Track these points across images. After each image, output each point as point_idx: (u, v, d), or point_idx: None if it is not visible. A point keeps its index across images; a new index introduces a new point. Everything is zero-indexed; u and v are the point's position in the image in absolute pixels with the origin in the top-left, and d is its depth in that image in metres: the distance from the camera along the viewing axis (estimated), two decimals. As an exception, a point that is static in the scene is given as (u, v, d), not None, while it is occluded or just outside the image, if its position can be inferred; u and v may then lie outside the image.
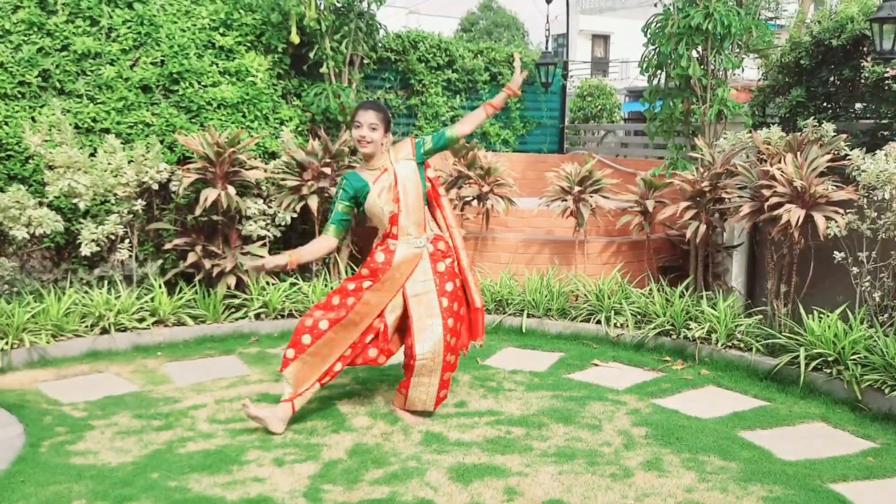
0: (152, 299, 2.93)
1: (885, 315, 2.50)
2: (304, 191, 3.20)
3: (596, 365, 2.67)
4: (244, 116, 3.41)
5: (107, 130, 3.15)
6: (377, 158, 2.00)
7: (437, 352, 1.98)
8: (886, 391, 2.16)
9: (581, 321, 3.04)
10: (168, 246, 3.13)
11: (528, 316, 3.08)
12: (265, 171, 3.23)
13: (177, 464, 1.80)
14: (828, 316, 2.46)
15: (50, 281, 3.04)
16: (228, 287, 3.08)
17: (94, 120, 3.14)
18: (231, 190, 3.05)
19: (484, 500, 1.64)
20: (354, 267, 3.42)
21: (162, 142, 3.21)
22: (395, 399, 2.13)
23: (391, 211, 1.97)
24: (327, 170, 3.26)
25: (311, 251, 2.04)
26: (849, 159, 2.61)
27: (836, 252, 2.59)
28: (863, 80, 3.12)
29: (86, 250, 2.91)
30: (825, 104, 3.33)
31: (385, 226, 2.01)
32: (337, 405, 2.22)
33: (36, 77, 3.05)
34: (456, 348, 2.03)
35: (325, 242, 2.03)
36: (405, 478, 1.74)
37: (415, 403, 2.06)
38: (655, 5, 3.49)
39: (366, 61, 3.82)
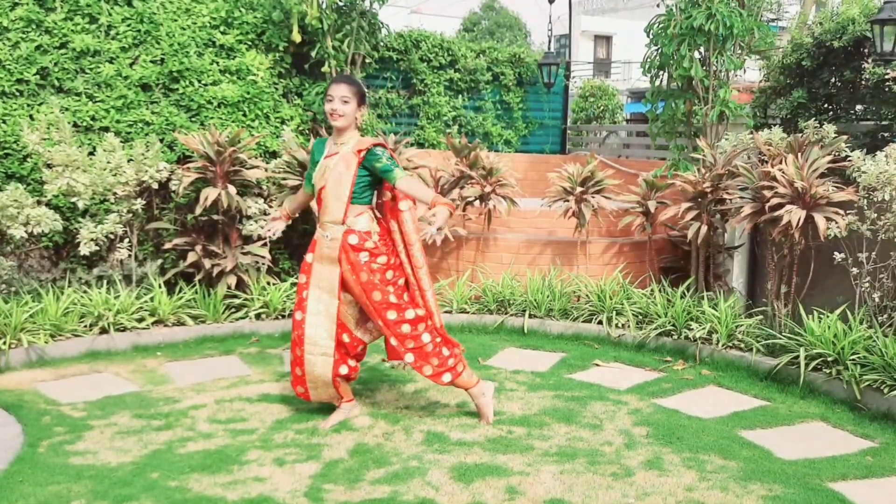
0: (152, 299, 2.92)
1: (885, 315, 2.50)
2: (305, 190, 3.20)
3: (597, 365, 2.68)
4: (245, 115, 3.40)
5: (106, 129, 3.14)
6: (348, 133, 1.98)
7: (383, 333, 2.01)
8: (885, 391, 2.16)
9: (583, 321, 3.04)
10: (168, 245, 3.12)
11: (530, 316, 3.08)
12: (266, 170, 3.22)
13: (177, 464, 1.79)
14: (827, 316, 2.47)
15: (48, 280, 3.03)
16: (229, 287, 3.07)
17: (93, 118, 3.13)
18: (231, 189, 3.05)
19: (485, 500, 1.64)
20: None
21: (162, 140, 3.20)
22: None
23: (319, 186, 1.98)
24: (328, 169, 3.25)
25: (295, 203, 2.18)
26: (849, 160, 2.62)
27: (836, 253, 2.59)
28: (864, 82, 3.13)
29: (85, 250, 2.90)
30: (826, 105, 3.33)
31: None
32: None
33: (34, 75, 3.04)
34: (406, 335, 1.95)
35: (301, 196, 2.18)
36: (406, 477, 1.74)
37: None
38: (658, 6, 3.49)
39: (368, 60, 3.79)
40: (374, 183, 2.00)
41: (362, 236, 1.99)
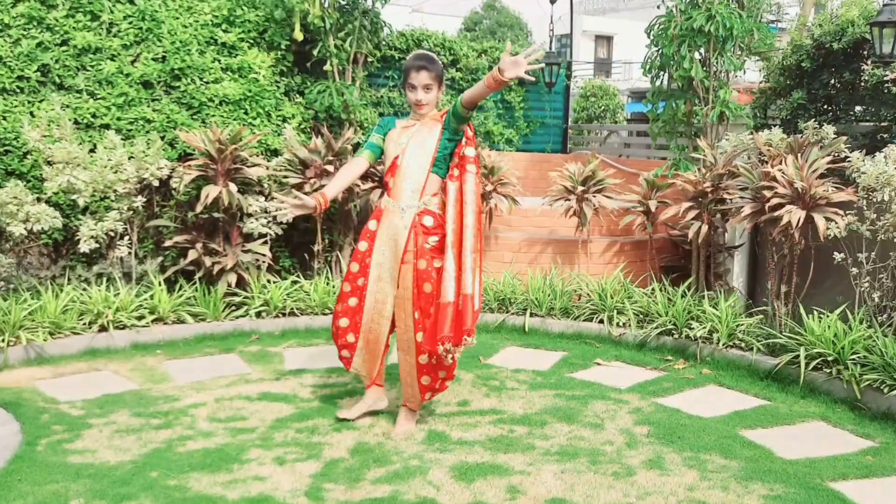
0: (152, 297, 2.91)
1: (884, 315, 2.51)
2: (307, 188, 3.18)
3: (598, 364, 2.68)
4: (246, 113, 3.39)
5: (107, 126, 3.13)
6: (428, 116, 1.97)
7: (408, 326, 1.93)
8: (885, 391, 2.17)
9: (584, 320, 3.04)
10: (168, 243, 3.11)
11: (531, 315, 3.08)
12: (267, 168, 3.22)
13: (176, 462, 1.79)
14: (827, 316, 2.47)
15: (48, 278, 3.02)
16: (229, 285, 3.06)
17: (93, 115, 3.12)
18: (232, 187, 3.04)
19: (486, 499, 1.64)
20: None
21: (163, 138, 3.19)
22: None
23: (395, 154, 1.94)
24: (330, 167, 3.25)
25: (339, 181, 1.93)
26: (849, 161, 2.63)
27: (835, 253, 2.60)
28: (863, 83, 3.14)
29: (84, 247, 2.89)
30: (826, 107, 3.34)
31: (385, 172, 1.98)
32: (339, 403, 2.21)
33: (35, 72, 3.03)
34: (425, 327, 1.88)
35: (355, 166, 1.96)
36: (407, 477, 1.74)
37: (406, 393, 2.00)
38: (658, 7, 3.49)
39: (370, 59, 3.79)
40: (451, 156, 1.95)
41: (437, 220, 1.94)
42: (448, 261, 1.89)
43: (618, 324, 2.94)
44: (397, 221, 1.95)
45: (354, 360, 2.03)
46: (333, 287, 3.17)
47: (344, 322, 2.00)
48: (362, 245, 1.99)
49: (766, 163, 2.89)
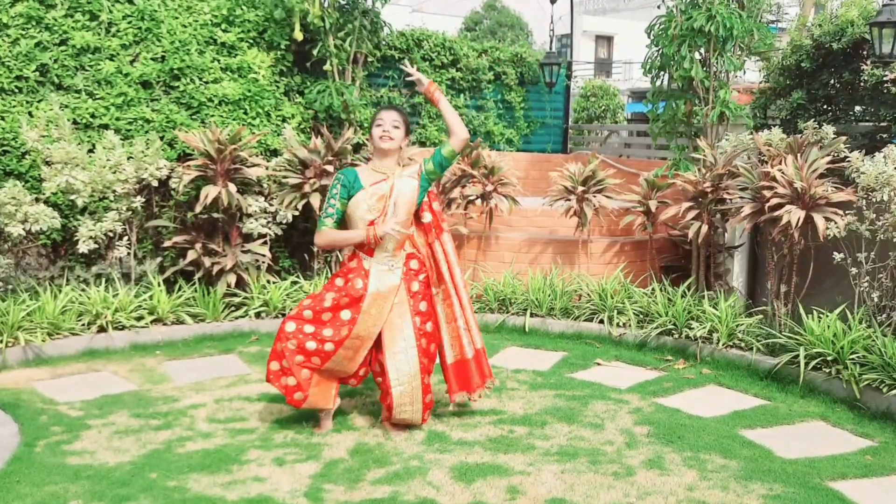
0: (151, 297, 2.91)
1: (884, 315, 2.51)
2: (307, 188, 3.18)
3: (598, 364, 2.68)
4: (246, 113, 3.39)
5: (106, 126, 3.13)
6: (389, 161, 1.98)
7: (414, 375, 1.95)
8: (884, 390, 2.17)
9: (584, 321, 3.04)
10: (167, 243, 3.11)
11: (532, 315, 3.08)
12: (267, 168, 3.22)
13: (176, 463, 1.79)
14: (827, 316, 2.48)
15: (46, 278, 3.01)
16: (228, 285, 3.06)
17: (92, 115, 3.12)
18: (232, 187, 3.04)
19: (486, 500, 1.64)
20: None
21: (162, 138, 3.19)
22: (383, 413, 2.05)
23: (372, 219, 1.93)
24: (329, 167, 3.24)
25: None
26: (848, 161, 2.63)
27: (835, 253, 2.61)
28: (862, 84, 3.15)
29: (83, 247, 2.89)
30: (825, 107, 3.35)
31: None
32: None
33: (34, 72, 3.03)
34: (430, 368, 2.00)
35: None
36: (407, 477, 1.74)
37: (403, 420, 2.00)
38: (658, 7, 3.49)
39: (369, 59, 3.79)
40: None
41: (419, 258, 2.02)
42: (459, 319, 2.05)
43: (618, 324, 2.94)
44: (388, 282, 1.95)
45: (310, 397, 1.91)
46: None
47: (299, 358, 1.88)
48: (345, 314, 1.91)
49: (766, 163, 2.90)
